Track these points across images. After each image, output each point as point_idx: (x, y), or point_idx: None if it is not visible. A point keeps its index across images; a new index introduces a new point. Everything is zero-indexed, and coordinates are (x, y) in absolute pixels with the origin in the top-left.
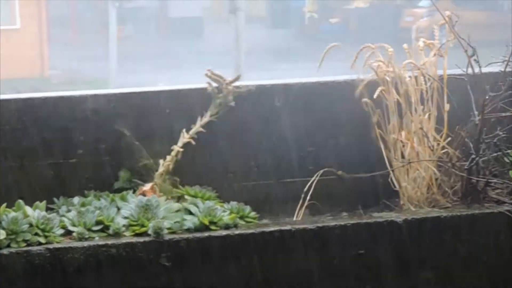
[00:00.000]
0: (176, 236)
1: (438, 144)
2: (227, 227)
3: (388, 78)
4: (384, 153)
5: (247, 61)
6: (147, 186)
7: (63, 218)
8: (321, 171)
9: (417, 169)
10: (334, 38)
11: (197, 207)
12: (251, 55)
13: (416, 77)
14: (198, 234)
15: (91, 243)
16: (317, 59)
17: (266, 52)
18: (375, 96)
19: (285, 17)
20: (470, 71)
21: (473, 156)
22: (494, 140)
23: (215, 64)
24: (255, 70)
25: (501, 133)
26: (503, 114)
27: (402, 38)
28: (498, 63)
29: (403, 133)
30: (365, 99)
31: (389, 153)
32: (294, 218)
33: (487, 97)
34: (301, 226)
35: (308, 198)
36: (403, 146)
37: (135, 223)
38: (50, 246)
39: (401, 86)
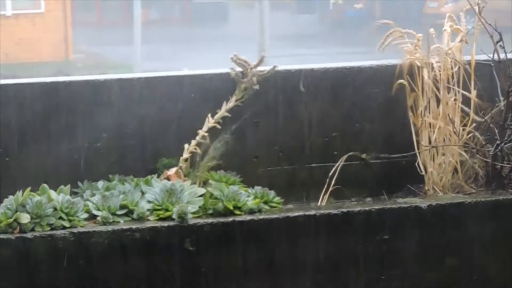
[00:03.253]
0: (200, 221)
1: (464, 130)
2: (251, 212)
3: (417, 63)
4: (414, 137)
5: (271, 46)
6: (171, 171)
7: (88, 202)
8: (345, 156)
9: (443, 154)
10: (359, 24)
11: (222, 191)
12: (275, 40)
13: (443, 63)
14: (222, 219)
15: (115, 227)
16: (342, 44)
17: (291, 38)
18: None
19: (310, 2)
20: (496, 57)
21: (498, 141)
22: None
23: (239, 50)
24: (280, 55)
25: None
26: None
27: (426, 24)
28: None
29: (430, 116)
30: (401, 81)
31: (417, 137)
32: (319, 203)
33: None
34: (326, 211)
35: (332, 183)
36: (430, 130)
37: (159, 207)
38: (74, 230)
39: (430, 71)
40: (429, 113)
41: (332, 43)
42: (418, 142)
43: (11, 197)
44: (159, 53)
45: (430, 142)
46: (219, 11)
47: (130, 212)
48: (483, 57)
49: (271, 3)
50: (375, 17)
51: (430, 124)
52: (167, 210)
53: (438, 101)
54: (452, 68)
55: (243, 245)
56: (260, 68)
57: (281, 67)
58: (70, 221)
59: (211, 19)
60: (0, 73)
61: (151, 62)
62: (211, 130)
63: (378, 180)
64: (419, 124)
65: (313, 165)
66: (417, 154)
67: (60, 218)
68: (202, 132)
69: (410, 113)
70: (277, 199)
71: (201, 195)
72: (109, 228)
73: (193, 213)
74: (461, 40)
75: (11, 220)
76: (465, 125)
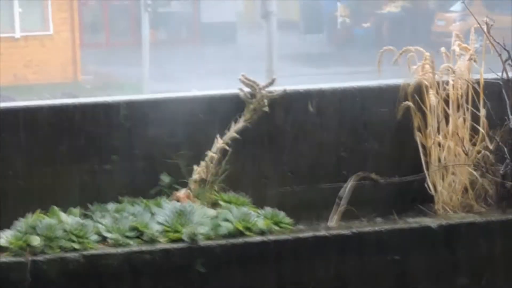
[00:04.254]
0: (211, 242)
1: (474, 149)
2: (261, 232)
3: (426, 83)
4: (422, 157)
5: (279, 66)
6: (181, 192)
7: (98, 224)
8: (354, 176)
9: (453, 174)
10: (367, 43)
11: (232, 213)
12: (283, 60)
13: (452, 82)
14: (233, 240)
15: (126, 249)
16: (349, 64)
17: (299, 57)
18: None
19: (317, 22)
20: (504, 75)
21: (508, 160)
22: None
23: (247, 69)
24: (288, 75)
25: None
26: None
27: (434, 42)
28: None
29: (440, 137)
30: (406, 102)
31: (426, 157)
32: (329, 224)
33: None
34: (336, 232)
35: (342, 203)
36: (440, 150)
37: (169, 229)
38: (85, 252)
39: (440, 90)
40: (439, 132)
41: (340, 62)
42: (426, 161)
43: (21, 219)
44: (167, 74)
45: (439, 161)
46: (227, 31)
47: (141, 234)
48: (492, 75)
49: (279, 23)
50: (383, 36)
51: (439, 143)
52: (177, 231)
53: (447, 120)
54: (461, 87)
55: (253, 266)
56: (269, 89)
57: (289, 87)
58: (80, 243)
59: (220, 39)
60: (11, 96)
61: (160, 83)
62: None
63: (388, 199)
64: (428, 144)
65: (323, 185)
66: (426, 174)
67: (71, 240)
68: (211, 153)
69: (417, 133)
70: (288, 219)
71: (211, 217)
72: (120, 250)
73: (204, 234)
74: (469, 59)
75: (22, 242)
76: (474, 144)
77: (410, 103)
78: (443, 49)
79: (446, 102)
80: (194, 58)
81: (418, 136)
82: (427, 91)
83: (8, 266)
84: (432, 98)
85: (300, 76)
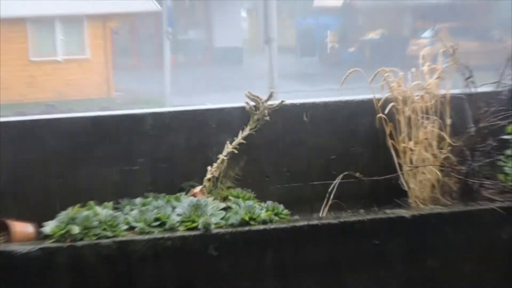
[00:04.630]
0: (221, 230)
1: (440, 152)
2: (264, 222)
3: (399, 97)
4: (395, 160)
5: (279, 83)
6: (197, 189)
7: (127, 216)
8: (342, 175)
9: (423, 173)
10: (352, 64)
11: (239, 206)
12: (283, 79)
13: (422, 96)
14: (240, 228)
15: (151, 236)
16: (338, 82)
17: (296, 77)
18: (386, 111)
19: (311, 46)
20: (467, 91)
21: (469, 161)
22: (487, 148)
23: (252, 87)
24: (286, 91)
25: (492, 142)
26: (494, 127)
27: (409, 64)
28: (490, 84)
29: (411, 142)
30: (380, 114)
31: (400, 159)
32: (320, 214)
33: (481, 113)
34: (326, 221)
35: (331, 197)
36: (412, 153)
37: (187, 219)
38: (117, 239)
39: (410, 103)
40: (411, 138)
41: (330, 81)
42: (400, 163)
43: (63, 212)
44: (185, 90)
45: (411, 162)
46: (235, 55)
47: (163, 223)
48: (456, 91)
49: (279, 48)
50: (365, 58)
51: (410, 148)
52: (193, 221)
53: (418, 128)
54: (430, 101)
55: (257, 250)
56: (270, 102)
57: (287, 101)
58: (113, 231)
59: (229, 61)
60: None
61: (179, 98)
62: (229, 154)
63: (370, 194)
64: (402, 148)
65: (315, 183)
66: (400, 174)
67: (105, 229)
68: (222, 156)
69: (390, 140)
70: (286, 211)
71: (222, 209)
72: (146, 237)
73: (216, 224)
74: (437, 77)
75: (64, 231)
76: (441, 148)
77: (382, 115)
78: (413, 70)
79: (417, 113)
80: (207, 78)
81: (390, 142)
82: (401, 104)
83: (51, 251)
84: (405, 110)
85: (297, 92)
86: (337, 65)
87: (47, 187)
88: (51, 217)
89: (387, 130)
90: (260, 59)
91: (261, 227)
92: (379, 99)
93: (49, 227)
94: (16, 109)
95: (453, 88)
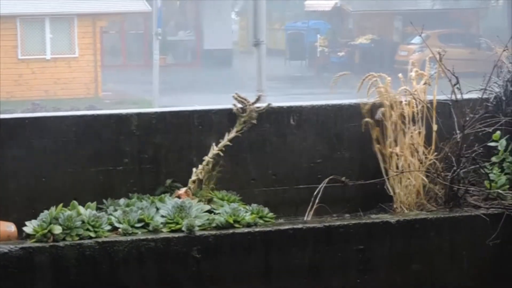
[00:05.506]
0: (205, 233)
1: (426, 158)
2: (248, 225)
3: (386, 102)
4: (381, 165)
5: (267, 86)
6: (182, 190)
7: (111, 217)
8: (327, 179)
9: (408, 178)
10: (341, 69)
11: (224, 208)
12: (271, 82)
13: (409, 102)
14: (224, 231)
15: (134, 237)
16: (326, 86)
17: (284, 80)
18: (376, 116)
19: (300, 50)
20: (453, 97)
21: (455, 168)
22: (473, 155)
23: (240, 89)
24: (275, 95)
25: (478, 149)
26: (480, 133)
27: (397, 69)
28: (477, 91)
29: (397, 148)
30: (367, 119)
31: (386, 164)
32: (305, 218)
33: (467, 119)
34: (311, 225)
35: (317, 201)
36: (398, 158)
37: (171, 221)
38: (99, 240)
39: (397, 108)
40: (397, 144)
41: (318, 85)
42: (386, 168)
43: (46, 211)
44: (174, 91)
45: (397, 168)
46: (224, 57)
47: (147, 225)
48: (443, 97)
49: (268, 51)
50: (354, 63)
51: (396, 153)
52: (177, 223)
53: (404, 133)
54: (416, 106)
55: (241, 253)
56: (257, 105)
57: (274, 104)
58: (95, 232)
59: (218, 63)
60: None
61: (167, 99)
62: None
63: (355, 199)
64: (388, 153)
65: (301, 186)
66: (385, 179)
67: (87, 229)
68: (207, 158)
69: (376, 145)
70: (271, 214)
71: (206, 211)
72: (129, 238)
73: (200, 226)
74: (424, 83)
75: (46, 231)
76: (427, 154)
77: (368, 119)
78: (400, 75)
79: (403, 118)
80: (196, 79)
81: (377, 147)
82: (388, 109)
83: (32, 251)
84: (392, 115)
85: (285, 95)
86: (326, 69)
87: (29, 186)
88: (33, 217)
89: (374, 135)
90: (249, 61)
91: (246, 230)
92: (366, 104)
93: (31, 226)
94: (2, 107)
95: (440, 94)
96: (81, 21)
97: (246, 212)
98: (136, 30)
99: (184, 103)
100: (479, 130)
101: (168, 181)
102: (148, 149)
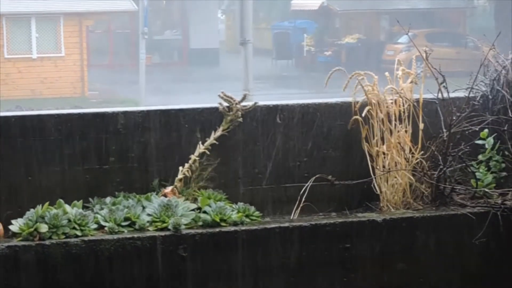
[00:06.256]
0: (192, 231)
1: (413, 156)
2: (235, 224)
3: (373, 101)
4: (369, 163)
5: (254, 86)
6: (168, 189)
7: (97, 215)
8: (314, 178)
9: (395, 177)
10: (328, 68)
11: (210, 207)
12: (258, 81)
13: (396, 100)
14: (210, 229)
15: (120, 236)
16: (313, 85)
17: (271, 79)
18: (363, 114)
19: (287, 50)
20: (440, 96)
21: (441, 166)
22: (459, 154)
23: (226, 88)
24: (262, 94)
25: (464, 147)
26: (467, 132)
27: (384, 68)
28: (463, 90)
29: (384, 146)
30: (356, 117)
31: (372, 163)
32: (292, 217)
33: (453, 118)
34: (297, 224)
35: (303, 200)
36: (384, 157)
37: (157, 219)
38: (85, 238)
39: (384, 107)
40: (383, 142)
41: (305, 84)
42: (372, 167)
43: (32, 210)
44: (161, 91)
45: (384, 166)
46: (211, 56)
47: (133, 223)
48: (430, 95)
49: (254, 50)
50: (341, 62)
51: (383, 152)
52: (164, 222)
53: (391, 132)
54: (403, 105)
55: (227, 251)
56: (243, 104)
57: (261, 102)
58: (82, 230)
59: (205, 63)
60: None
61: (154, 98)
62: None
63: (342, 198)
64: (374, 152)
65: (287, 185)
66: (373, 177)
67: (74, 228)
68: (194, 156)
69: (365, 143)
70: (257, 213)
71: (193, 210)
72: (115, 236)
73: (186, 224)
74: (411, 82)
75: (32, 229)
76: (413, 153)
77: (358, 117)
78: (387, 74)
79: (390, 117)
80: (183, 78)
81: (365, 146)
82: (375, 108)
83: (18, 249)
84: (378, 113)
85: (272, 95)
86: (313, 68)
87: (16, 185)
88: (20, 215)
89: (363, 134)
90: (236, 61)
91: (232, 228)
92: (353, 102)
93: (17, 225)
94: None
95: (427, 93)
96: (67, 20)
97: (233, 210)
98: (123, 29)
99: (171, 102)
100: (465, 128)
101: (155, 181)
102: (134, 147)
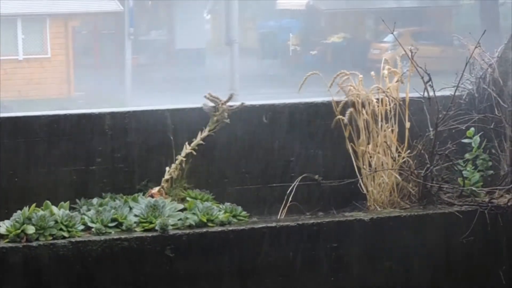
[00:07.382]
0: (179, 232)
1: (400, 155)
2: (222, 224)
3: (358, 100)
4: (354, 163)
5: (240, 85)
6: (155, 189)
7: (84, 216)
8: (301, 177)
9: (382, 176)
10: (314, 67)
11: (197, 207)
12: (244, 81)
13: (381, 99)
14: (197, 230)
15: (107, 237)
16: (299, 85)
17: (257, 79)
18: (346, 115)
19: (273, 49)
20: (426, 94)
21: (428, 165)
22: (446, 152)
23: (213, 88)
24: (248, 93)
25: (451, 146)
26: (453, 130)
27: (370, 67)
28: (450, 88)
29: (370, 145)
30: (340, 117)
31: (359, 162)
32: (278, 217)
33: (440, 116)
34: (284, 223)
35: (290, 200)
36: (371, 156)
37: (144, 220)
38: (73, 240)
39: (369, 106)
40: (370, 141)
41: (291, 83)
42: (358, 166)
43: (19, 211)
44: (147, 91)
45: (370, 165)
46: (198, 56)
47: (120, 224)
48: (416, 94)
49: (240, 49)
50: (327, 62)
51: (369, 152)
52: (151, 222)
53: (377, 131)
54: (389, 104)
55: (215, 251)
56: (230, 104)
57: (247, 102)
58: (69, 232)
59: (191, 63)
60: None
61: (140, 98)
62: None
63: (329, 197)
64: (360, 152)
65: (274, 184)
66: (359, 177)
67: (61, 229)
68: (180, 157)
69: (349, 143)
70: (244, 213)
71: (180, 210)
72: (102, 238)
73: (173, 225)
74: (397, 81)
75: (19, 231)
76: (400, 152)
77: (341, 117)
78: (373, 73)
79: (376, 116)
80: (169, 78)
81: (350, 145)
82: (360, 107)
83: (5, 251)
84: (363, 113)
85: (258, 94)
86: (299, 68)
87: (2, 187)
88: (6, 217)
89: (346, 133)
90: (222, 60)
91: (219, 228)
92: (338, 102)
93: (4, 226)
94: None
95: (413, 91)
96: (53, 21)
97: (220, 211)
98: (109, 30)
99: (157, 103)
100: (452, 127)
101: (143, 182)
102: (121, 148)
